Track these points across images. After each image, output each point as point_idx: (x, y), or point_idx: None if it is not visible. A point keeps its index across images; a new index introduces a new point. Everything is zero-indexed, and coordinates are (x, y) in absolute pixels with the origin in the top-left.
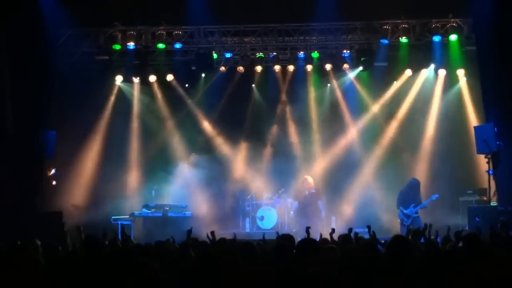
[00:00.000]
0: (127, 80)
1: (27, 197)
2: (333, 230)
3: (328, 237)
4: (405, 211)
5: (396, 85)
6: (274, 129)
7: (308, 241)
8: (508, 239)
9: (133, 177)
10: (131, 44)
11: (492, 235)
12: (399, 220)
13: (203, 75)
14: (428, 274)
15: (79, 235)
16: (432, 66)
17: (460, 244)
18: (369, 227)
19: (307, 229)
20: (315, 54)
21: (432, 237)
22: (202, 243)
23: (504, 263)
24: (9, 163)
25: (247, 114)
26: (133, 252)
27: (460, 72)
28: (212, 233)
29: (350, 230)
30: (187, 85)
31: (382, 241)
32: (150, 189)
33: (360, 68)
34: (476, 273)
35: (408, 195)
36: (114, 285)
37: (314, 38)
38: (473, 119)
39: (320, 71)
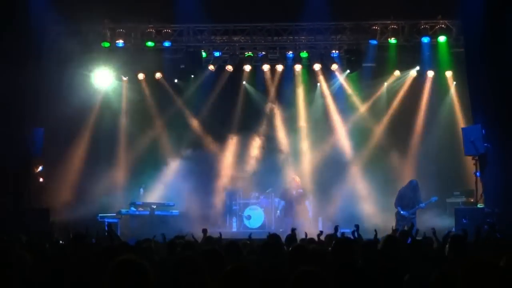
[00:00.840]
0: (116, 77)
1: (14, 194)
2: (321, 232)
3: (315, 237)
4: (402, 212)
5: (384, 85)
6: (262, 128)
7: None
8: (496, 240)
9: (120, 175)
10: (120, 42)
11: (478, 237)
12: (393, 220)
13: (192, 76)
14: (414, 273)
15: (67, 233)
16: (420, 67)
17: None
18: (357, 226)
19: (293, 231)
20: (304, 54)
21: (419, 238)
22: (188, 242)
23: (490, 263)
24: None
25: (236, 113)
26: (120, 250)
27: (448, 74)
28: (204, 230)
29: (336, 228)
30: (176, 81)
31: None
32: (138, 187)
33: (348, 71)
34: (461, 273)
35: (409, 196)
36: (104, 281)
37: (303, 37)
38: (460, 121)
39: (309, 71)
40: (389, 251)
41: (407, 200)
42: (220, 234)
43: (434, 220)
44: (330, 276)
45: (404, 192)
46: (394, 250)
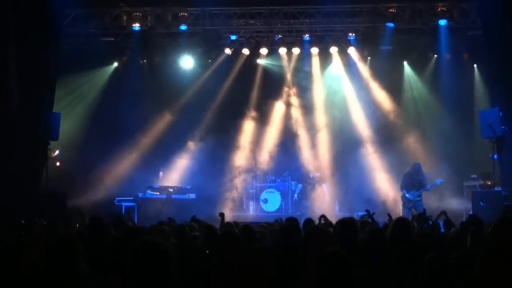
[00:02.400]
0: (132, 61)
1: (31, 178)
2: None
3: (333, 220)
4: (407, 195)
5: (401, 68)
6: (279, 112)
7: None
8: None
9: (137, 159)
10: (136, 26)
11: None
12: (401, 203)
13: (209, 60)
14: (434, 259)
15: (81, 218)
16: (437, 50)
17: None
18: (368, 211)
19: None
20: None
21: (436, 222)
22: (207, 226)
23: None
24: (14, 144)
25: (252, 96)
26: (139, 232)
27: (465, 56)
28: (221, 214)
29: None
30: (191, 67)
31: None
32: (157, 171)
33: (365, 54)
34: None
35: (413, 178)
36: (125, 263)
37: (319, 20)
38: (478, 103)
39: (325, 54)
40: (399, 235)
41: (411, 183)
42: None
43: (450, 203)
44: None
45: (408, 175)
46: (404, 234)
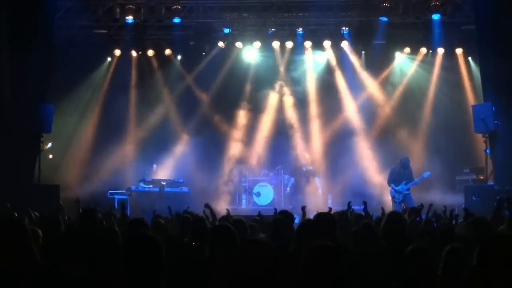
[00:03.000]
0: (125, 54)
1: (24, 170)
2: (330, 209)
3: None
4: (396, 188)
5: (394, 62)
6: (272, 106)
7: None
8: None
9: (130, 152)
10: (129, 18)
11: (495, 214)
12: (390, 197)
13: (203, 53)
14: (428, 250)
15: (76, 206)
16: (431, 44)
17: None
18: (365, 203)
19: (303, 208)
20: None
21: (430, 215)
22: (198, 217)
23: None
24: (7, 136)
25: (245, 89)
26: (131, 225)
27: (459, 51)
28: (207, 205)
29: (349, 204)
30: (184, 60)
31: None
32: (150, 164)
33: (358, 48)
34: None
35: (400, 173)
36: (117, 256)
37: (313, 14)
38: (471, 98)
39: (318, 48)
40: (392, 228)
41: (398, 177)
42: (228, 211)
43: (443, 197)
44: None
45: (395, 169)
46: (397, 227)
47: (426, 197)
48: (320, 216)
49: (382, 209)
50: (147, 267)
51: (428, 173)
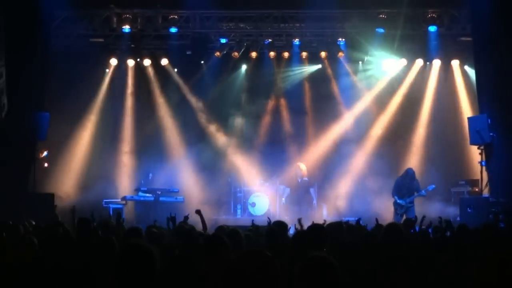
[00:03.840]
0: (122, 63)
1: (19, 178)
2: (325, 221)
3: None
4: (398, 201)
5: (391, 74)
6: (268, 116)
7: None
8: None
9: (126, 161)
10: (126, 27)
11: (486, 226)
12: (392, 209)
13: (199, 61)
14: (422, 261)
15: (72, 216)
16: (427, 56)
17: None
18: (359, 219)
19: (299, 220)
20: (309, 42)
21: (424, 227)
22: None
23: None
24: (2, 144)
25: (242, 99)
26: (127, 235)
27: (455, 63)
28: (198, 211)
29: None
30: (181, 70)
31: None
32: (147, 173)
33: (354, 59)
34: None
35: (404, 184)
36: (111, 266)
37: (309, 25)
38: (466, 110)
39: (315, 58)
40: (391, 239)
41: (404, 189)
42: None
43: (438, 209)
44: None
45: (401, 181)
46: (396, 239)
47: (421, 209)
48: (313, 227)
49: (376, 220)
50: (140, 278)
51: (434, 186)
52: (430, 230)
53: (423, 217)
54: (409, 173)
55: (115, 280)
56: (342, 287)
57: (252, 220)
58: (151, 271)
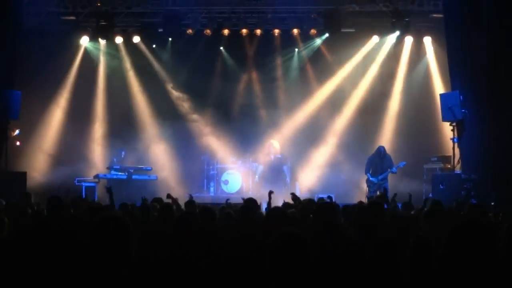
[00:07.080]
0: (94, 41)
1: None
2: (293, 194)
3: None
4: (371, 178)
5: (362, 51)
6: (241, 93)
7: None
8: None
9: (98, 139)
10: (98, 5)
11: (457, 203)
12: (365, 187)
13: (170, 39)
14: (393, 239)
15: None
16: (399, 32)
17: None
18: (330, 197)
19: (270, 194)
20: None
21: (392, 205)
22: (165, 204)
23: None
24: None
25: (214, 77)
26: (98, 210)
27: (427, 40)
28: (169, 195)
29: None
30: (154, 46)
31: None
32: (119, 150)
33: (327, 34)
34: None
35: (376, 162)
36: (86, 239)
37: (282, 2)
38: (439, 87)
39: (287, 36)
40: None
41: (375, 166)
42: (191, 196)
43: (410, 186)
44: (310, 239)
45: (372, 159)
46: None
47: (394, 185)
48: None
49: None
50: (115, 247)
51: (404, 163)
52: (399, 206)
53: (395, 194)
54: (381, 150)
55: (90, 250)
56: (314, 262)
57: (227, 200)
58: (126, 241)
